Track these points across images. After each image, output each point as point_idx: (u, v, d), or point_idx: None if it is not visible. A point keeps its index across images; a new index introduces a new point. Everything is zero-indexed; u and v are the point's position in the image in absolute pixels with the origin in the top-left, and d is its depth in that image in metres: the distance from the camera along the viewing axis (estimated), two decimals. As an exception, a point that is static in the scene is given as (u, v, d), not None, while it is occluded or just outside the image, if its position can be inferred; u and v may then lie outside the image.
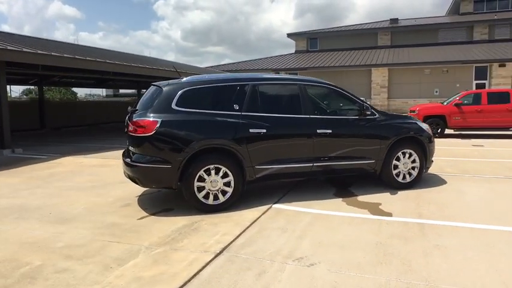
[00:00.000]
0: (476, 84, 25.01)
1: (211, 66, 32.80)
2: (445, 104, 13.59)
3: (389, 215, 4.43)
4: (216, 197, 4.65)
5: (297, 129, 4.99)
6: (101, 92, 53.07)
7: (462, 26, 30.56)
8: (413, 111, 13.74)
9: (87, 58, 11.87)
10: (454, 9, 36.68)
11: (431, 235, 3.77)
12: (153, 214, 4.66)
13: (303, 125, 5.01)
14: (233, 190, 4.68)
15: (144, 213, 4.69)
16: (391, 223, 4.15)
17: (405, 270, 3.05)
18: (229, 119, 4.70)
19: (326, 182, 6.02)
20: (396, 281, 2.87)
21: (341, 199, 5.12)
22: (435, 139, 6.08)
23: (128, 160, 4.72)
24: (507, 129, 12.87)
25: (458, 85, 25.33)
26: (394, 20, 35.00)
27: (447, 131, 13.25)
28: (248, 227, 4.07)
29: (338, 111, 5.49)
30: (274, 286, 2.82)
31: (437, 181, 6.03)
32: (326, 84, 5.46)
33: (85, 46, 18.78)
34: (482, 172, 6.73)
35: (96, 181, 6.61)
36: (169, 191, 5.69)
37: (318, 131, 5.02)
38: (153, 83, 5.25)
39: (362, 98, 5.68)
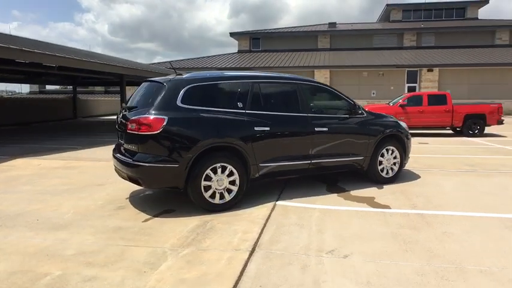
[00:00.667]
0: (408, 87, 27.15)
1: (158, 63, 31.76)
2: (390, 105, 14.60)
3: (388, 207, 4.73)
4: (222, 196, 4.61)
5: (297, 127, 5.12)
6: (18, 88, 48.98)
7: (393, 33, 32.96)
8: (363, 111, 14.57)
9: (63, 55, 10.95)
10: (385, 17, 39.41)
11: (434, 224, 4.11)
12: (156, 216, 4.49)
13: (302, 123, 5.15)
14: (238, 188, 4.68)
15: (146, 216, 4.50)
16: (393, 215, 4.44)
17: (430, 256, 3.31)
18: (235, 117, 4.69)
19: (314, 179, 6.21)
20: (428, 265, 3.11)
21: (336, 194, 5.35)
22: None
23: (128, 160, 4.49)
24: (444, 128, 14.18)
25: (392, 87, 27.32)
26: (332, 24, 36.69)
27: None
28: (265, 225, 4.11)
29: (331, 110, 5.70)
30: (323, 278, 2.91)
31: (411, 176, 6.52)
32: (319, 83, 5.66)
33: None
34: (444, 167, 7.40)
35: (69, 184, 6.16)
36: (159, 192, 5.51)
37: (316, 129, 5.20)
38: (150, 79, 5.07)
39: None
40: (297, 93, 5.25)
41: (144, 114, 4.40)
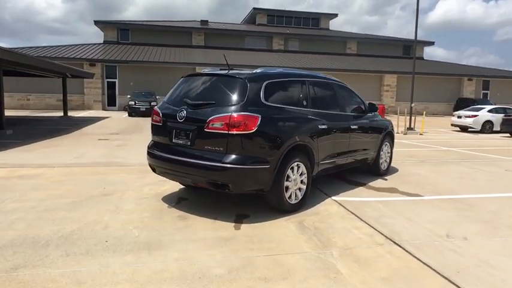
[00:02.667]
0: (283, 86, 29.52)
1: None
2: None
3: (419, 195, 5.44)
4: (296, 196, 4.57)
5: (342, 124, 5.39)
6: None
7: (264, 36, 35.22)
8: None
9: None
10: (251, 19, 41.68)
11: (475, 206, 4.96)
12: (238, 222, 4.18)
13: (344, 120, 5.45)
14: (306, 187, 4.70)
15: (228, 223, 4.14)
16: (434, 201, 5.17)
17: (514, 230, 4.09)
18: (304, 115, 4.71)
19: (328, 176, 6.42)
20: (528, 237, 3.87)
21: (363, 188, 5.82)
22: None
23: (212, 163, 4.03)
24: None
25: (269, 87, 29.31)
26: (205, 22, 36.99)
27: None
28: (362, 219, 4.30)
29: (355, 109, 6.04)
30: (484, 258, 3.34)
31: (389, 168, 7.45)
32: (343, 83, 6.00)
33: None
34: (399, 159, 8.61)
35: (64, 197, 5.03)
36: (195, 196, 5.05)
37: (351, 126, 5.56)
38: (210, 72, 4.67)
39: None
40: (335, 92, 5.52)
41: (234, 112, 4.02)
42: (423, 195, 5.43)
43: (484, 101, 27.07)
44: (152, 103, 22.80)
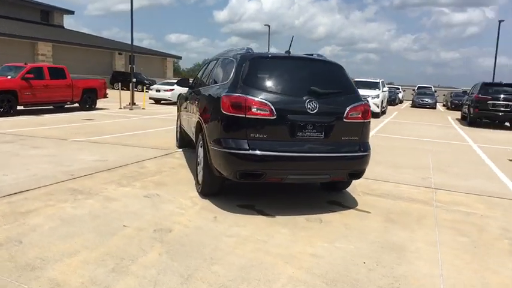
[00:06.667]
0: None
1: None
2: (10, 77, 12.06)
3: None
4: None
5: None
6: None
7: None
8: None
9: None
10: None
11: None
12: (360, 210, 4.27)
13: None
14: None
15: (362, 214, 4.17)
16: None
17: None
18: None
19: None
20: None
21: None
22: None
23: (355, 153, 4.07)
24: (65, 103, 13.78)
25: None
26: None
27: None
28: (381, 180, 5.43)
29: None
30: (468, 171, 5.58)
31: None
32: None
33: None
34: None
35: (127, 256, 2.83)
36: (255, 200, 4.32)
37: None
38: (312, 57, 4.30)
39: None
40: None
41: (361, 100, 4.19)
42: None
43: (137, 74, 29.81)
44: None
